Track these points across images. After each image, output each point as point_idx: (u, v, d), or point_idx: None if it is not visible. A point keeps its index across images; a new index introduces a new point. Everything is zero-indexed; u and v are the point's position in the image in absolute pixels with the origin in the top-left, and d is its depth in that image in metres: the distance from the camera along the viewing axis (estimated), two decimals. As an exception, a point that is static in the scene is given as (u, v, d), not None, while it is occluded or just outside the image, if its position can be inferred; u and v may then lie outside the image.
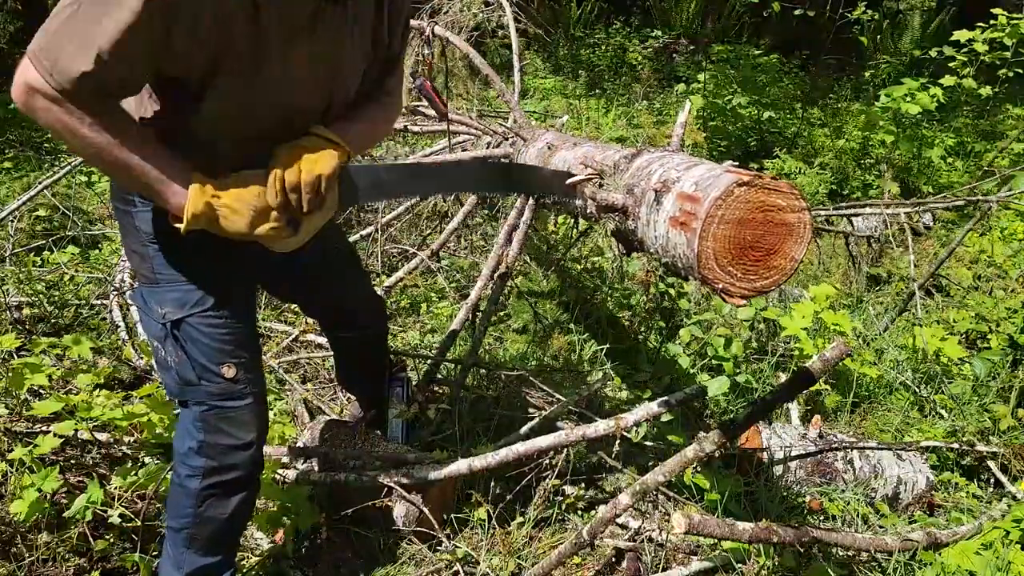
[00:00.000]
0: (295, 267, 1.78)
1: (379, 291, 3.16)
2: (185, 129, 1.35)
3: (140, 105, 1.37)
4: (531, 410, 2.45)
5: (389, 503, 1.98)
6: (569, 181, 1.58)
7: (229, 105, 1.32)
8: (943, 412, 2.72)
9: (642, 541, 1.97)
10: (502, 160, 2.71)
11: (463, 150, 3.31)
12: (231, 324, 1.50)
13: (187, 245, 1.43)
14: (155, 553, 1.81)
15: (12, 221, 3.50)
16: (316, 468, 2.09)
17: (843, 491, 2.23)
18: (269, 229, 1.36)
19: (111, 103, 1.26)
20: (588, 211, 1.65)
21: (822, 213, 3.99)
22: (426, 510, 1.90)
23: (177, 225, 1.32)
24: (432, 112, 3.49)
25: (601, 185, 1.55)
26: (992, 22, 4.23)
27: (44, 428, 2.03)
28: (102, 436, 2.02)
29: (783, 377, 2.81)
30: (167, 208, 1.32)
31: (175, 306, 1.47)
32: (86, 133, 1.22)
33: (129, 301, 2.95)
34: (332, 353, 2.30)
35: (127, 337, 2.80)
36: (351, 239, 3.46)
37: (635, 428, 2.11)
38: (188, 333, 1.47)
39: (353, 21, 1.38)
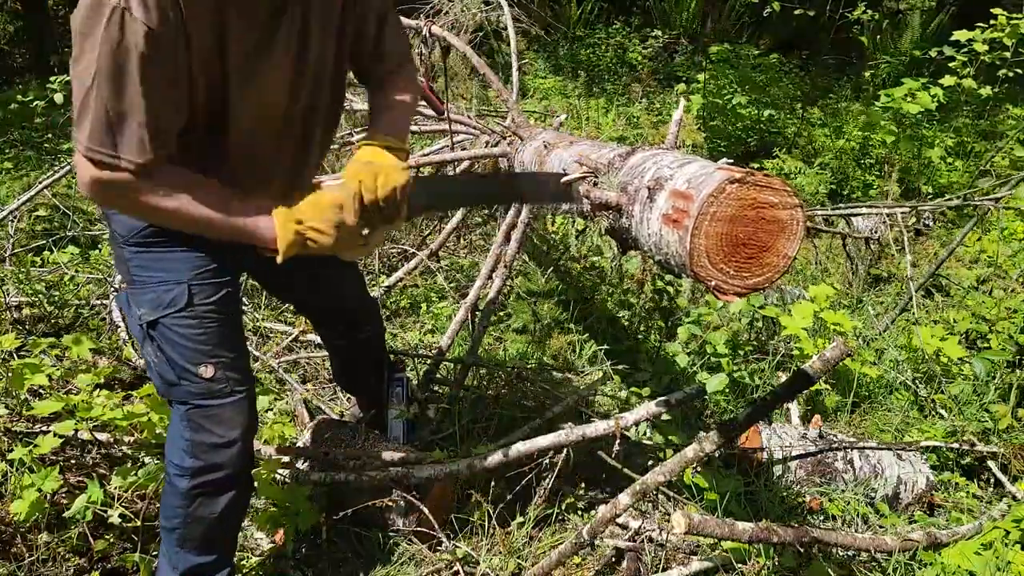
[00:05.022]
0: (304, 268, 1.79)
1: (379, 291, 3.17)
2: (201, 157, 1.38)
3: None
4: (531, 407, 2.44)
5: (389, 503, 1.98)
6: (564, 180, 1.58)
7: (228, 119, 1.36)
8: (943, 412, 2.72)
9: (642, 541, 1.97)
10: (500, 161, 2.71)
11: (462, 149, 3.31)
12: (206, 324, 1.51)
13: (161, 247, 1.47)
14: (155, 553, 1.81)
15: (12, 221, 3.50)
16: (316, 468, 2.09)
17: (843, 491, 2.23)
18: (352, 244, 1.41)
19: (169, 165, 1.29)
20: (584, 209, 1.65)
21: (820, 213, 3.99)
22: (426, 510, 1.90)
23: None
24: (431, 112, 3.50)
25: (596, 183, 1.55)
26: (992, 22, 4.23)
27: (44, 428, 2.03)
28: (102, 436, 2.02)
29: (783, 377, 2.81)
30: (263, 245, 1.37)
31: (150, 307, 1.49)
32: (167, 204, 1.28)
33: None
34: (329, 355, 2.31)
35: (127, 337, 2.80)
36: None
37: (635, 427, 2.11)
38: (164, 334, 1.49)
39: (317, 21, 1.42)
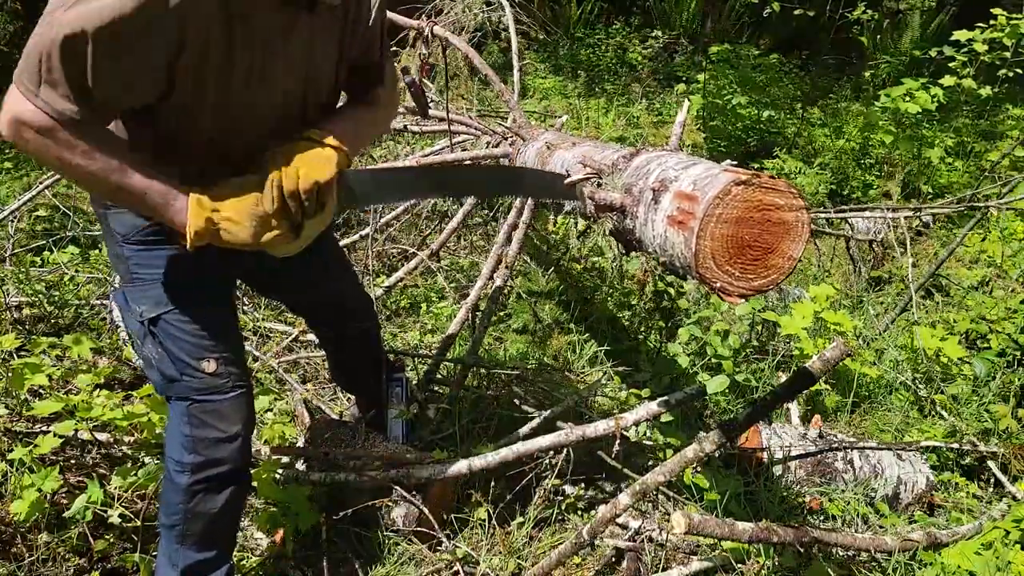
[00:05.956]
0: (293, 265, 1.78)
1: (379, 291, 3.17)
2: (165, 144, 1.36)
3: (116, 125, 1.36)
4: (530, 410, 2.44)
5: (389, 503, 1.98)
6: (567, 181, 1.58)
7: (204, 117, 1.33)
8: (943, 412, 2.72)
9: (642, 541, 1.97)
10: (501, 161, 2.71)
11: (463, 150, 3.31)
12: (208, 320, 1.52)
13: (161, 246, 1.47)
14: (155, 553, 1.81)
15: (12, 221, 3.50)
16: (316, 468, 2.09)
17: (843, 491, 2.23)
18: (272, 237, 1.36)
19: (102, 127, 1.25)
20: (587, 210, 1.65)
21: (822, 215, 3.99)
22: (426, 510, 1.90)
23: (183, 243, 1.32)
24: (432, 112, 3.49)
25: (600, 184, 1.55)
26: (992, 22, 4.23)
27: (44, 428, 2.03)
28: (102, 436, 2.03)
29: (784, 377, 2.81)
30: (172, 227, 1.33)
31: (151, 304, 1.49)
32: (79, 162, 1.22)
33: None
34: (326, 355, 2.30)
35: (127, 337, 2.80)
36: (351, 239, 3.47)
37: (635, 428, 2.11)
38: (165, 330, 1.50)
39: (323, 30, 1.40)
